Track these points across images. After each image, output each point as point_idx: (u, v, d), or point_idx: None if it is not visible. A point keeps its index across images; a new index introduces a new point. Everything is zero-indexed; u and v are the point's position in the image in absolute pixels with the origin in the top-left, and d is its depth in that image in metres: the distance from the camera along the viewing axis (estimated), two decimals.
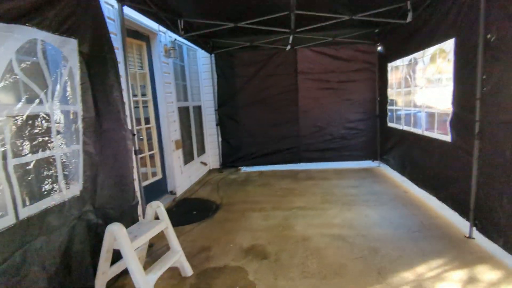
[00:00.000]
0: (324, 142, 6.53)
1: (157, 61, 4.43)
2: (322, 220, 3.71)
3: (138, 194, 3.55)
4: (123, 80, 3.39)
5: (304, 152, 6.60)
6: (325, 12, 4.40)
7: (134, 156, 3.04)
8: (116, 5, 3.23)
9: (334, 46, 6.15)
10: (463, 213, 3.18)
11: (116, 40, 3.31)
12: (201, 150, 6.41)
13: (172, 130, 4.75)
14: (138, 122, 4.16)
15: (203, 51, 6.37)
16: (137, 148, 3.03)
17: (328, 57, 6.25)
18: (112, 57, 2.53)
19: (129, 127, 2.98)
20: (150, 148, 4.36)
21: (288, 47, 6.05)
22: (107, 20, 3.06)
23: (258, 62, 6.37)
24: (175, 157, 4.79)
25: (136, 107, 4.09)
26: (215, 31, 4.87)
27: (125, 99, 3.38)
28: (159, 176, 4.49)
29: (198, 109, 6.34)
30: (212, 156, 6.83)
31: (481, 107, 2.76)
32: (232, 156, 6.72)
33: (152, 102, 4.37)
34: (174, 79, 4.99)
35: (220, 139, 6.68)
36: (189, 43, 5.68)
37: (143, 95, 4.29)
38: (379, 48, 6.03)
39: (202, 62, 6.50)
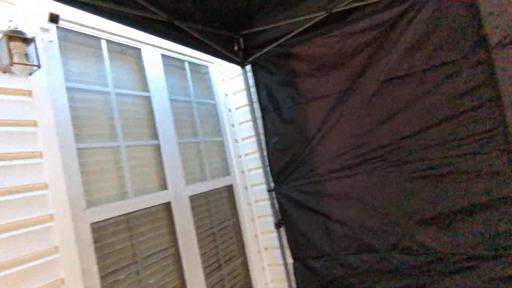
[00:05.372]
0: None
1: None
2: None
3: None
4: None
5: None
6: None
7: None
8: None
9: None
10: None
11: None
12: None
13: None
14: None
15: (224, 65, 2.89)
16: None
17: None
18: None
19: None
20: None
21: None
22: None
23: (354, 52, 2.39)
24: None
25: None
26: None
27: None
28: None
29: (225, 195, 2.69)
30: None
31: None
32: None
33: None
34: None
35: (286, 260, 2.73)
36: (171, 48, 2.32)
37: None
38: None
39: (231, 88, 2.98)
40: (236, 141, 2.90)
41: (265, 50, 2.69)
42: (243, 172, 2.87)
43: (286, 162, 2.68)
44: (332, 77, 2.46)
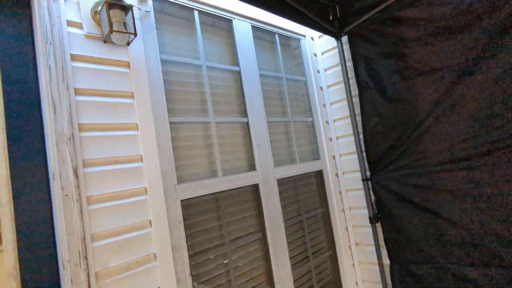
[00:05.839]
0: None
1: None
2: None
3: None
4: None
5: None
6: None
7: None
8: None
9: None
10: None
11: None
12: None
13: None
14: None
15: (316, 38, 2.62)
16: None
17: None
18: None
19: None
20: None
21: None
22: None
23: (491, 8, 1.86)
24: None
25: None
26: None
27: None
28: None
29: (314, 181, 2.46)
30: None
31: None
32: None
33: None
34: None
35: (381, 260, 2.38)
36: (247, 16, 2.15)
37: None
38: None
39: (324, 64, 2.68)
40: (328, 122, 2.62)
41: (366, 16, 2.31)
42: (334, 157, 2.59)
43: (387, 148, 2.30)
44: (456, 43, 1.97)
